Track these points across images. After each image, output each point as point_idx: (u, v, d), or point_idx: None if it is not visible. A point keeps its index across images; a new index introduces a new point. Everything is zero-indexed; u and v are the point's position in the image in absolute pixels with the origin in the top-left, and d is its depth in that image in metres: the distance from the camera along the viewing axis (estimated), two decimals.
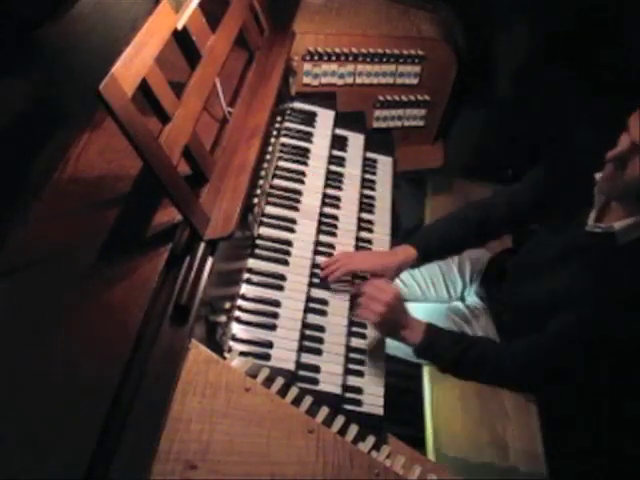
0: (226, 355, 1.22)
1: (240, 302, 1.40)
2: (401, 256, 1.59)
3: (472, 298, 1.90)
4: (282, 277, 1.48)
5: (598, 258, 1.36)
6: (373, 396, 1.41)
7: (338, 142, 1.93)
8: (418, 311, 1.65)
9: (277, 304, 1.42)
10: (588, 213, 1.41)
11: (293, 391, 1.10)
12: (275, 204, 1.63)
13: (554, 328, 1.40)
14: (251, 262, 1.48)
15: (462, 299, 1.95)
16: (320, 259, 1.59)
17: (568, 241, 1.45)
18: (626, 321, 1.33)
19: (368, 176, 1.93)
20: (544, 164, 1.62)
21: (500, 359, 1.45)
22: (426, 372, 1.76)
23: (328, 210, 1.73)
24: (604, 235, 1.36)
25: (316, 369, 1.38)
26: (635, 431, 1.99)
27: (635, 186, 1.27)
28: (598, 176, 1.36)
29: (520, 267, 1.68)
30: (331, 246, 1.65)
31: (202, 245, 1.17)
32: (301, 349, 1.39)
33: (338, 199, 1.77)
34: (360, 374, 1.44)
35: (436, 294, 1.96)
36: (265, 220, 1.58)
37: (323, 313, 1.49)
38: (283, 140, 1.80)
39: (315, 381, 1.35)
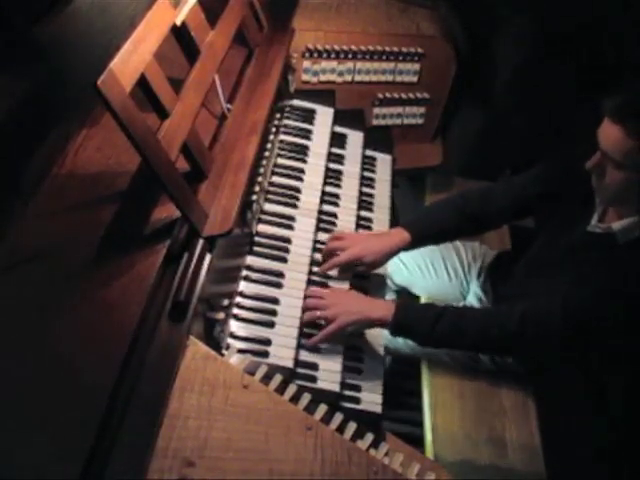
0: (224, 352, 1.22)
1: (238, 299, 1.39)
2: (395, 239, 1.59)
3: (473, 294, 1.90)
4: (281, 274, 1.47)
5: (600, 257, 1.38)
6: (371, 394, 1.41)
7: (337, 140, 1.92)
8: None
9: (275, 301, 1.42)
10: (591, 213, 1.43)
11: (291, 388, 1.10)
12: (274, 201, 1.63)
13: (546, 300, 1.41)
14: (249, 259, 1.48)
15: (463, 296, 1.95)
16: (319, 257, 1.59)
17: (572, 240, 1.47)
18: (624, 317, 1.35)
19: (367, 174, 1.92)
20: (548, 161, 1.63)
21: (483, 322, 1.44)
22: (425, 370, 1.76)
23: (327, 208, 1.73)
24: (605, 235, 1.38)
25: (314, 367, 1.37)
26: (634, 429, 1.99)
27: (617, 191, 1.31)
28: None
29: (527, 266, 1.69)
30: None
31: (200, 242, 1.16)
32: (299, 346, 1.38)
33: (337, 197, 1.77)
34: (358, 372, 1.44)
35: (437, 276, 1.97)
36: (264, 217, 1.58)
37: None
38: (282, 137, 1.79)
39: (313, 379, 1.35)
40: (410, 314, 1.44)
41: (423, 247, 1.73)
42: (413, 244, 1.61)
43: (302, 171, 1.73)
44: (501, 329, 1.42)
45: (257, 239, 1.52)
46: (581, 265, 1.42)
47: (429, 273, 1.97)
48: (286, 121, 1.85)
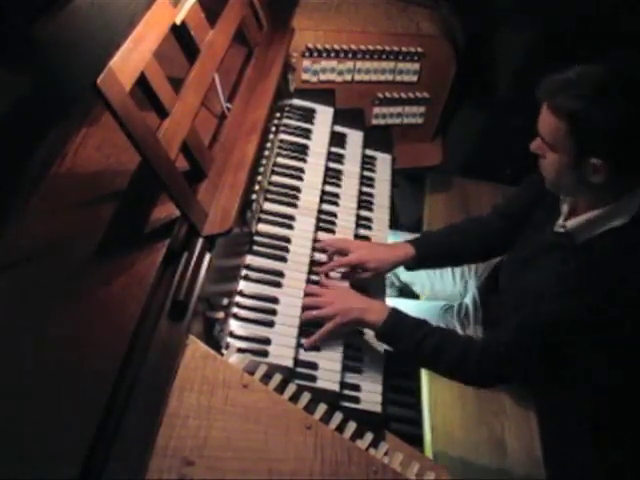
0: (224, 351, 1.22)
1: (238, 299, 1.39)
2: (400, 252, 1.60)
3: (470, 296, 1.90)
4: (280, 274, 1.47)
5: (558, 258, 1.37)
6: (371, 393, 1.41)
7: (337, 139, 1.93)
8: (412, 309, 1.65)
9: (275, 301, 1.42)
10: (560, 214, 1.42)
11: (291, 388, 1.10)
12: (273, 201, 1.63)
13: (511, 323, 1.39)
14: (249, 259, 1.48)
15: (461, 295, 1.95)
16: (319, 256, 1.59)
17: (539, 241, 1.47)
18: (580, 321, 1.31)
19: (367, 173, 1.92)
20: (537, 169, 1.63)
21: (463, 350, 1.41)
22: (425, 370, 1.76)
23: (327, 207, 1.73)
24: (565, 235, 1.37)
25: (314, 366, 1.37)
26: (635, 430, 1.99)
27: (554, 177, 1.31)
28: None
29: (504, 267, 1.70)
30: None
31: (200, 241, 1.16)
32: (299, 346, 1.38)
33: (337, 196, 1.77)
34: (358, 371, 1.44)
35: (441, 276, 1.98)
36: (263, 217, 1.58)
37: None
38: (282, 137, 1.79)
39: (313, 378, 1.35)
40: (401, 324, 1.43)
41: (425, 268, 1.74)
42: (416, 262, 1.62)
43: (302, 170, 1.73)
44: (483, 356, 1.39)
45: (257, 238, 1.52)
46: (541, 267, 1.41)
47: (434, 272, 1.98)
48: (286, 120, 1.85)
